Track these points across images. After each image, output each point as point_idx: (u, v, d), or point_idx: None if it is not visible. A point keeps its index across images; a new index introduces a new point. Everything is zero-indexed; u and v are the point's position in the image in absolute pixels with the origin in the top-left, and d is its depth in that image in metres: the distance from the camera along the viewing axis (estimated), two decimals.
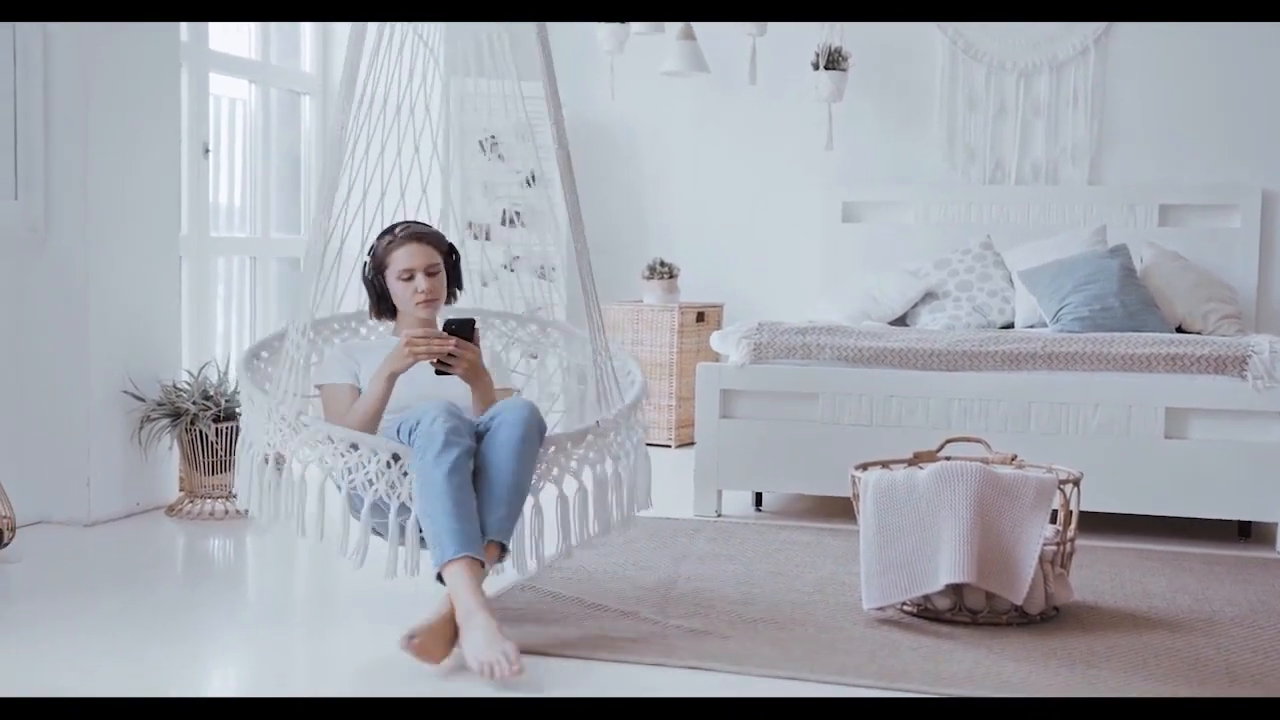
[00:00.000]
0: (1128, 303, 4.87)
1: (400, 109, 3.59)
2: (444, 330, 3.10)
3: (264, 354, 3.50)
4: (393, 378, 3.08)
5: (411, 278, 3.30)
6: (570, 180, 3.29)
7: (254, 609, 3.31)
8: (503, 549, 2.90)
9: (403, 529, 2.89)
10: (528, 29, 3.28)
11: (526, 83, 3.64)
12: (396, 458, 2.90)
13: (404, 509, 2.89)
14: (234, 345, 5.41)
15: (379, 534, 2.97)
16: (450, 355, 3.06)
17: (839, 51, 5.90)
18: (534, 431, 2.95)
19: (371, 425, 3.09)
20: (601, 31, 5.94)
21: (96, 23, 4.04)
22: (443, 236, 3.44)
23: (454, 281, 3.45)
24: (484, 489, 2.88)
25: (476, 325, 3.13)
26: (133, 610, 3.12)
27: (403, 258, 3.30)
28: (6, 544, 3.61)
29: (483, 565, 2.78)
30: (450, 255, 3.42)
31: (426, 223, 3.48)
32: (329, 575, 3.63)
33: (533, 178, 5.99)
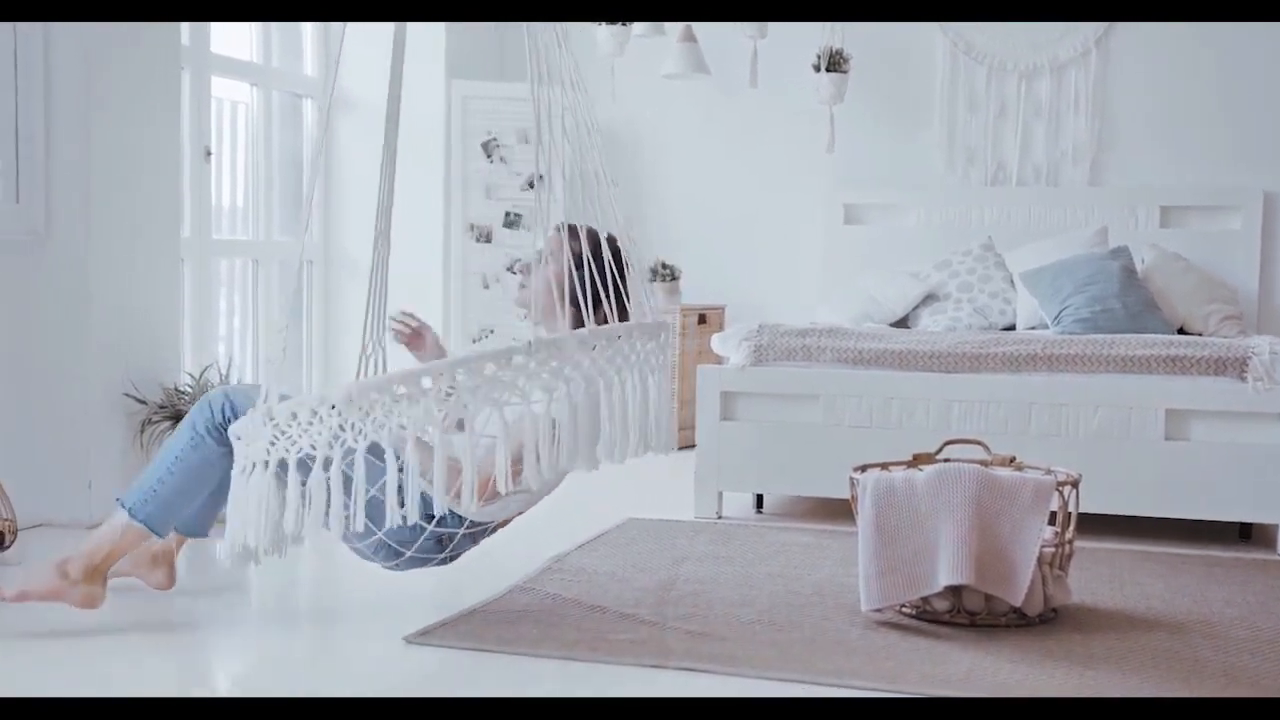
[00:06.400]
0: (1129, 304, 4.87)
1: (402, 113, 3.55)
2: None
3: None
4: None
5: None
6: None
7: (256, 609, 3.32)
8: (130, 513, 2.97)
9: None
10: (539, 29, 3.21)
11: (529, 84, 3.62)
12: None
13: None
14: (236, 348, 5.42)
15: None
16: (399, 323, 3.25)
17: (840, 53, 5.91)
18: (189, 414, 3.01)
19: None
20: (602, 34, 5.95)
21: (98, 25, 4.06)
22: (580, 238, 2.93)
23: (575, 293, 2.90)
24: None
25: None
26: (134, 612, 3.12)
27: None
28: (8, 546, 3.63)
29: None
30: (575, 262, 2.90)
31: (593, 229, 3.02)
32: (330, 574, 3.64)
33: (535, 180, 6.00)
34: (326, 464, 2.65)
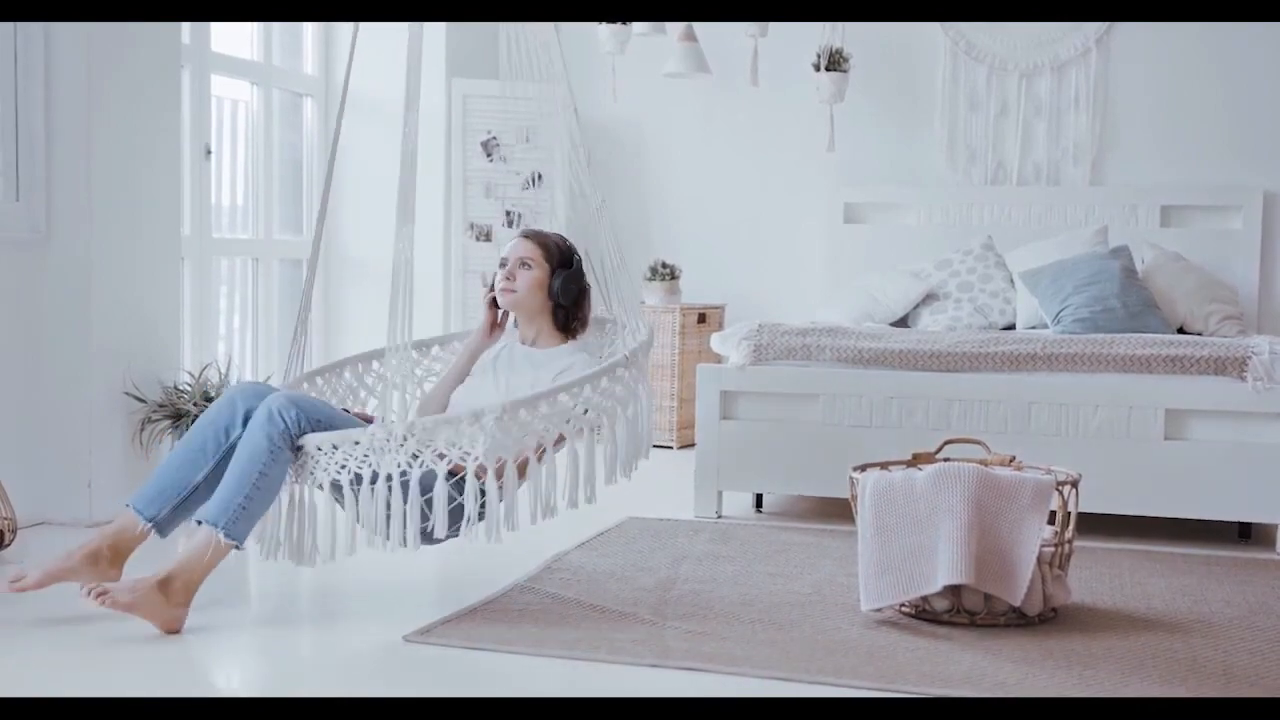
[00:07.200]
0: (1129, 304, 4.87)
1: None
2: None
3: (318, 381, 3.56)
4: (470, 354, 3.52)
5: (504, 265, 3.42)
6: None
7: (256, 609, 3.32)
8: (224, 532, 2.98)
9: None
10: (541, 28, 3.27)
11: (531, 84, 3.63)
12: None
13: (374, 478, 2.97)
14: (235, 346, 5.42)
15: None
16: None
17: (840, 52, 5.91)
18: (257, 424, 3.00)
19: (437, 398, 3.47)
20: (603, 33, 5.95)
21: (99, 24, 4.06)
22: (556, 244, 3.41)
23: (560, 294, 3.36)
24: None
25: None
26: None
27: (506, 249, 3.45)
28: (8, 545, 3.63)
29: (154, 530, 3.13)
30: (556, 265, 3.38)
31: (558, 235, 3.48)
32: (330, 573, 3.64)
33: (534, 179, 6.00)
34: (480, 473, 2.94)
